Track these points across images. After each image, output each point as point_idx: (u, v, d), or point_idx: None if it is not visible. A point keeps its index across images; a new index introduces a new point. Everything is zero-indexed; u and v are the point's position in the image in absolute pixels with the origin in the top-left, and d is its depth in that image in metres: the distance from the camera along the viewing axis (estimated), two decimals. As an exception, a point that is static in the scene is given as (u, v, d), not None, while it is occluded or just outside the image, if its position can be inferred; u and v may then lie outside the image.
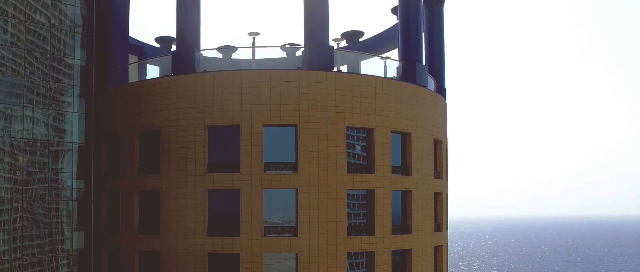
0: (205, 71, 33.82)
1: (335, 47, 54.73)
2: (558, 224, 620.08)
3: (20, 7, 34.44)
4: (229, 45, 60.04)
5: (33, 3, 34.96)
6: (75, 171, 36.55)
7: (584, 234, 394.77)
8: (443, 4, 43.53)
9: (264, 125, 31.53)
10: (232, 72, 32.65)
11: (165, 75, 34.36)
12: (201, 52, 35.27)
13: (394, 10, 47.73)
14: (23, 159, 34.34)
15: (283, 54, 60.30)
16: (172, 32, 50.62)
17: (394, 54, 47.80)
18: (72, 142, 36.41)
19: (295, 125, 31.63)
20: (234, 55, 59.85)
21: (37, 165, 34.90)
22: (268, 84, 31.65)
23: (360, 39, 54.78)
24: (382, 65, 38.12)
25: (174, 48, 53.36)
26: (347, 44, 55.01)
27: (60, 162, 36.02)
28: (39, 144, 34.94)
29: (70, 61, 36.58)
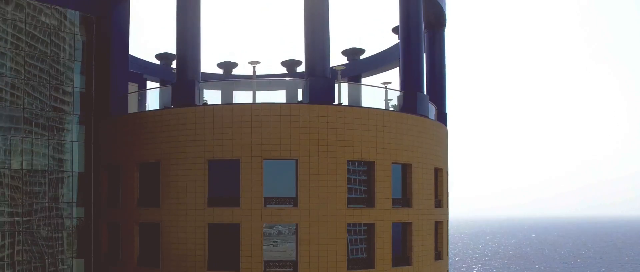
0: (205, 104, 33.71)
1: (336, 63, 54.69)
2: (559, 225, 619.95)
3: (18, 37, 34.37)
4: (229, 61, 60.09)
5: (32, 31, 34.89)
6: (75, 199, 36.49)
7: (586, 235, 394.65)
8: (444, 27, 43.42)
9: (264, 159, 31.42)
10: (232, 105, 32.56)
11: (165, 107, 34.22)
12: (201, 77, 35.02)
13: (395, 30, 47.59)
14: (23, 190, 34.26)
15: (283, 69, 60.35)
16: (172, 48, 50.49)
17: (395, 72, 47.67)
18: (72, 172, 36.35)
19: (296, 160, 31.52)
20: (233, 71, 59.84)
21: (37, 195, 34.83)
22: (268, 118, 31.52)
23: (361, 57, 54.70)
24: (384, 87, 37.99)
25: (174, 64, 53.28)
26: (348, 61, 54.90)
27: (60, 191, 35.95)
28: (38, 174, 34.87)
29: (69, 89, 36.49)
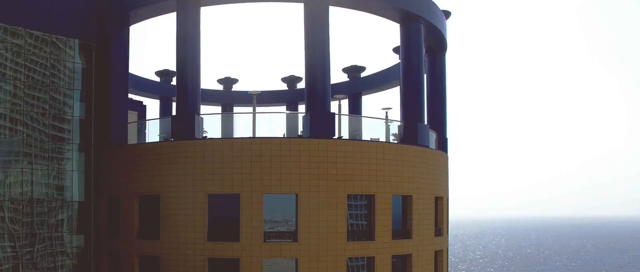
0: (205, 137, 33.57)
1: (336, 81, 54.52)
2: (559, 226, 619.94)
3: (16, 70, 34.25)
4: (229, 77, 59.92)
5: (30, 64, 34.76)
6: (75, 228, 36.40)
7: (586, 236, 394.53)
8: (445, 52, 43.20)
9: (264, 193, 31.32)
10: (232, 140, 32.43)
11: (165, 139, 34.11)
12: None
13: (396, 50, 47.41)
14: (23, 221, 34.18)
15: (284, 85, 60.21)
16: (171, 65, 50.19)
17: (396, 91, 47.41)
18: (72, 201, 36.25)
19: (296, 194, 31.42)
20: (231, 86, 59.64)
21: (38, 225, 34.74)
22: (268, 153, 31.40)
23: (362, 74, 54.55)
24: (384, 118, 37.82)
25: (174, 81, 53.15)
26: (348, 79, 54.77)
27: (60, 220, 35.85)
28: (38, 203, 34.76)
29: (69, 117, 36.36)
